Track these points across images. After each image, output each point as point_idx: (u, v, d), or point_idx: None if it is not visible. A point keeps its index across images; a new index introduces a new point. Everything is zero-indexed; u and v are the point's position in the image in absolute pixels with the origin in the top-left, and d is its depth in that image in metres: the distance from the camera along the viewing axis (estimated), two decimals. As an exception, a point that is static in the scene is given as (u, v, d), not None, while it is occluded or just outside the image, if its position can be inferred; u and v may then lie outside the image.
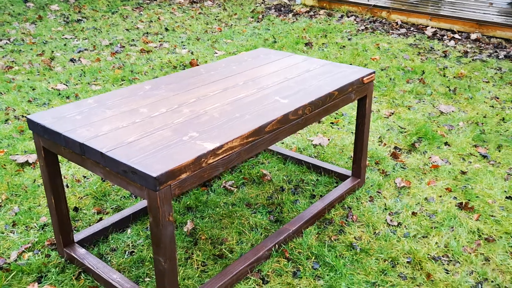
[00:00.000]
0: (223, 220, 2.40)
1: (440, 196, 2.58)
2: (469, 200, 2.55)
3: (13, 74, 4.67)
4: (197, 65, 4.84)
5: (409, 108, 3.68)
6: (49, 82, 4.51)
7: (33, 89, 4.35)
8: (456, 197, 2.57)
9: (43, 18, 6.96)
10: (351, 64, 4.63)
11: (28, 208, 2.52)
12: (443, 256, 2.16)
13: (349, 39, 5.49)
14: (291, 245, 2.21)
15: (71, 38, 5.97)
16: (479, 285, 2.00)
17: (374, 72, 2.44)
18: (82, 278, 2.04)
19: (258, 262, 2.09)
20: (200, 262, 2.13)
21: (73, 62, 5.09)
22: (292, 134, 2.03)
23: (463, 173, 2.79)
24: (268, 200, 2.56)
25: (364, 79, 2.37)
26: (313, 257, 2.14)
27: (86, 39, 5.98)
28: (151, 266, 2.11)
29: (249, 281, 2.02)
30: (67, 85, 4.44)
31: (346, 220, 2.39)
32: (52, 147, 1.88)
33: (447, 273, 2.06)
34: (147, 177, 1.52)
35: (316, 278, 2.03)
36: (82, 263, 2.06)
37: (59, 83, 4.47)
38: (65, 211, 2.10)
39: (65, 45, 5.69)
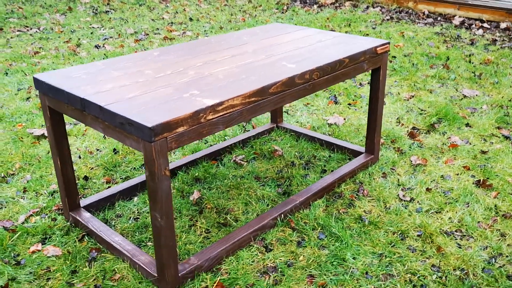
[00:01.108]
0: (231, 191, 2.36)
1: (457, 174, 2.48)
2: (487, 178, 2.44)
3: (39, 58, 4.75)
4: (218, 50, 4.83)
5: (430, 92, 3.57)
6: (71, 65, 4.57)
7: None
8: (474, 176, 2.47)
9: (72, 10, 7.08)
10: (373, 50, 4.54)
11: (39, 176, 2.54)
12: (456, 231, 2.07)
13: (373, 28, 5.39)
14: (297, 215, 2.15)
15: (98, 27, 6.05)
16: (493, 259, 1.90)
17: (388, 43, 2.36)
18: (85, 240, 2.04)
19: (262, 230, 2.04)
20: (203, 229, 2.10)
21: (98, 48, 5.15)
22: (299, 98, 1.97)
23: (483, 152, 2.68)
24: (277, 174, 2.51)
25: (378, 49, 2.30)
26: (319, 228, 2.08)
27: (112, 28, 6.06)
28: (154, 231, 2.09)
29: (252, 248, 1.97)
30: (89, 69, 4.49)
31: (356, 194, 2.32)
32: (57, 105, 1.88)
33: (460, 247, 1.97)
34: (142, 128, 1.50)
35: (321, 248, 1.97)
36: (86, 226, 2.06)
37: (81, 66, 4.52)
38: (71, 174, 2.10)
39: (91, 33, 5.77)
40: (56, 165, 2.07)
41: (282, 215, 2.12)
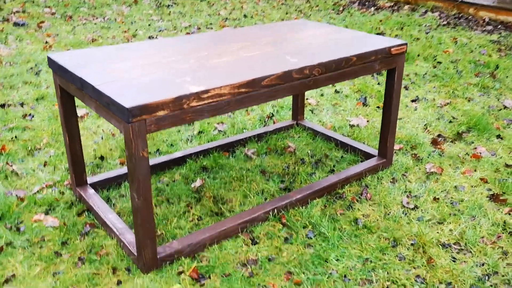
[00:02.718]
0: (233, 183, 2.38)
1: (472, 186, 2.36)
2: (503, 192, 2.30)
3: (95, 45, 4.99)
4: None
5: (468, 100, 3.40)
6: (120, 53, 4.76)
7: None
8: (490, 189, 2.33)
9: (138, 2, 7.36)
10: (418, 55, 4.38)
11: (61, 153, 2.68)
12: (454, 244, 1.97)
13: (426, 33, 5.20)
14: (292, 212, 2.14)
15: (156, 20, 6.25)
16: (486, 277, 1.80)
17: (405, 44, 2.28)
18: (84, 215, 2.13)
19: (252, 223, 2.04)
20: (196, 216, 2.13)
21: (151, 38, 5.33)
22: (296, 93, 1.95)
23: (508, 166, 2.52)
24: (284, 169, 2.50)
25: (392, 49, 2.23)
26: (310, 226, 2.05)
27: (169, 21, 6.24)
28: (150, 214, 2.15)
29: (238, 239, 1.98)
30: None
31: (359, 197, 2.26)
32: (64, 84, 1.98)
33: (454, 261, 1.87)
34: (122, 108, 1.55)
35: (307, 246, 1.94)
36: (87, 202, 2.15)
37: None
38: (79, 151, 2.20)
39: (149, 25, 5.97)
40: (66, 142, 2.18)
41: (276, 210, 2.11)
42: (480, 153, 2.66)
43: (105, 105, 1.65)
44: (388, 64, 2.25)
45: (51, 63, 2.02)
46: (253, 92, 1.82)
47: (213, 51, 2.11)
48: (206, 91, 1.68)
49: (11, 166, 2.54)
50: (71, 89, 1.93)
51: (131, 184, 1.67)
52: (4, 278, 1.76)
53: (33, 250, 1.91)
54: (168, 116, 1.63)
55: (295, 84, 1.94)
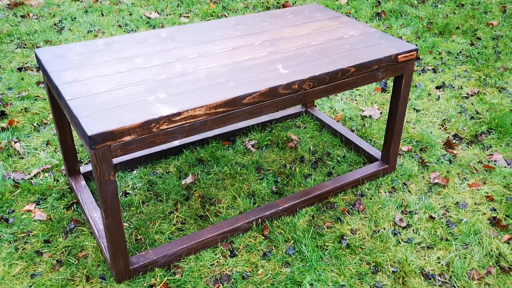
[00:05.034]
0: (226, 181, 2.34)
1: (476, 204, 2.22)
2: (507, 216, 2.15)
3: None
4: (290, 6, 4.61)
5: (500, 90, 3.14)
6: (147, 9, 4.65)
7: (130, 14, 4.54)
8: (494, 209, 2.19)
9: None
10: (458, 27, 4.04)
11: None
12: (438, 275, 1.88)
13: (474, -4, 4.77)
14: (276, 223, 2.09)
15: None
16: (463, 319, 1.72)
17: (416, 50, 2.08)
18: (72, 209, 2.17)
19: (233, 233, 2.02)
20: (180, 219, 2.12)
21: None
22: (283, 109, 1.84)
23: (520, 182, 2.35)
24: (281, 168, 2.43)
25: (399, 56, 2.04)
26: (292, 241, 2.01)
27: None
28: (136, 211, 2.16)
29: (217, 249, 1.97)
30: (160, 14, 4.55)
31: (350, 209, 2.18)
32: (48, 82, 1.95)
33: (434, 295, 1.80)
34: (85, 134, 1.51)
35: (284, 265, 1.91)
36: (76, 194, 2.18)
37: (153, 11, 4.59)
38: (70, 142, 2.20)
39: None
40: (56, 132, 2.18)
41: (260, 219, 2.07)
42: (495, 161, 2.48)
43: (75, 123, 1.61)
44: (394, 71, 2.08)
45: (37, 59, 1.98)
46: (233, 111, 1.72)
47: (203, 49, 2.00)
48: (178, 114, 1.61)
49: (15, 143, 2.59)
50: (52, 90, 1.89)
51: (100, 204, 1.66)
52: (-15, 276, 1.84)
53: (18, 246, 1.97)
54: (135, 140, 1.57)
55: (281, 99, 1.82)
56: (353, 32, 2.22)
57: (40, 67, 1.95)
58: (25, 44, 3.83)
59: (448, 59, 3.55)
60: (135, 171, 2.40)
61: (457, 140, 2.66)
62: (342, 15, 2.42)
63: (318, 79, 1.86)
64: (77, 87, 1.72)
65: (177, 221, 2.11)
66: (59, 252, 1.94)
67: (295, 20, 2.34)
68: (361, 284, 1.83)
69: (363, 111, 2.90)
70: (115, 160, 2.39)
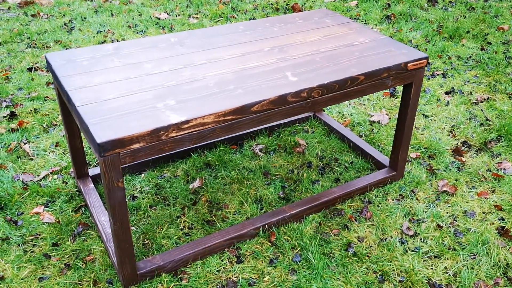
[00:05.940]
0: (233, 185, 2.34)
1: (484, 213, 2.21)
2: (516, 226, 2.14)
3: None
4: (300, 10, 4.60)
5: (510, 97, 3.11)
6: (156, 10, 4.66)
7: (140, 15, 4.55)
8: (503, 219, 2.17)
9: None
10: (468, 31, 4.01)
11: (73, 133, 2.72)
12: (445, 286, 1.87)
13: (485, 1, 4.73)
14: (283, 230, 2.09)
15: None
16: (470, 330, 1.71)
17: (426, 58, 2.07)
18: (80, 211, 2.18)
19: (239, 239, 2.02)
20: (187, 224, 2.13)
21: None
22: (291, 116, 1.84)
23: (530, 191, 2.33)
24: (288, 173, 2.43)
25: (409, 64, 2.03)
26: (299, 248, 2.01)
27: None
28: (144, 215, 2.17)
29: (224, 255, 1.97)
30: (169, 15, 4.56)
31: (358, 216, 2.18)
32: (58, 86, 1.96)
33: (440, 305, 1.80)
34: (94, 141, 1.51)
35: (291, 272, 1.91)
36: (85, 197, 2.19)
37: (163, 12, 4.60)
38: (79, 144, 2.22)
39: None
40: (66, 135, 2.20)
41: (267, 226, 2.07)
42: (504, 170, 2.46)
43: (84, 130, 1.62)
44: (404, 79, 2.07)
45: (47, 63, 1.99)
46: (241, 119, 1.72)
47: (212, 55, 2.00)
48: (187, 122, 1.61)
49: (25, 144, 2.61)
50: (62, 95, 1.90)
51: (108, 210, 1.67)
52: (-6, 279, 1.86)
53: (26, 248, 1.98)
54: (144, 148, 1.58)
55: (290, 107, 1.82)
56: (362, 39, 2.21)
57: (50, 71, 1.97)
58: (35, 44, 3.85)
59: (458, 64, 3.52)
60: (143, 175, 2.41)
61: (466, 147, 2.64)
62: (352, 21, 2.41)
63: (327, 87, 1.86)
64: (86, 93, 1.73)
65: (184, 226, 2.12)
66: (67, 256, 1.96)
67: (305, 26, 2.34)
68: (368, 293, 1.83)
69: (371, 116, 2.90)
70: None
